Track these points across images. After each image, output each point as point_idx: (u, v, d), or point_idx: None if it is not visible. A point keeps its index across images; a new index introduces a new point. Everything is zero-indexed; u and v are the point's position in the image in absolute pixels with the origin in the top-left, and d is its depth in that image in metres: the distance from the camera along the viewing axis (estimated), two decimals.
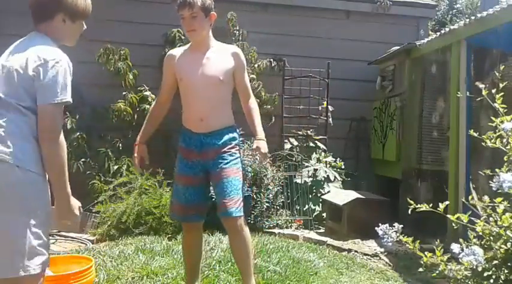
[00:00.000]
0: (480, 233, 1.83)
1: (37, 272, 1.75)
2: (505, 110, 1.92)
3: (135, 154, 2.76)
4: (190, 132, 2.70)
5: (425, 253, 1.84)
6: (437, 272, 1.87)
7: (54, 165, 1.76)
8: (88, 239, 4.28)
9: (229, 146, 2.64)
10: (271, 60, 5.69)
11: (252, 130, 2.71)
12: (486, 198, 1.86)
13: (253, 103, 2.73)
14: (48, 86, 1.74)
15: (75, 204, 1.86)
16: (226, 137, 2.64)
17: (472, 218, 1.84)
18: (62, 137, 1.77)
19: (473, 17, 4.10)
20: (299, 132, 5.53)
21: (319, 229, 4.84)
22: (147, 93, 5.35)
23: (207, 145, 2.63)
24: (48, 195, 1.81)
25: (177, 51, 2.77)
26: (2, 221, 1.70)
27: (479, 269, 1.72)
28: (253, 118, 2.69)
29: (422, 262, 1.85)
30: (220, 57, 2.65)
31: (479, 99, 2.04)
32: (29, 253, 1.73)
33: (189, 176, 2.67)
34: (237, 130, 2.77)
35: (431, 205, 1.86)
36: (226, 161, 2.60)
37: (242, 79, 2.71)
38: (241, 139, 2.80)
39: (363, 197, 4.69)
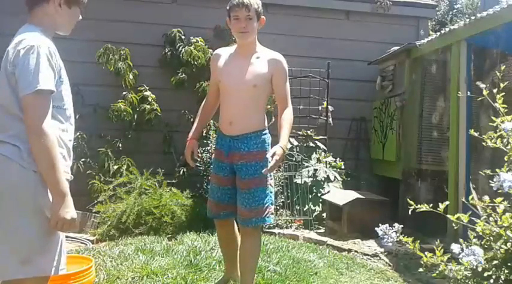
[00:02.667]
0: (480, 233, 1.83)
1: (45, 275, 1.73)
2: (506, 110, 1.92)
3: (186, 150, 2.83)
4: (221, 134, 2.75)
5: (425, 253, 1.84)
6: (437, 272, 1.87)
7: (40, 159, 1.66)
8: (88, 239, 4.28)
9: (255, 152, 2.62)
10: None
11: (278, 137, 2.62)
12: (486, 198, 1.86)
13: (288, 113, 2.67)
14: (20, 77, 1.66)
15: (71, 210, 1.71)
16: (252, 143, 2.64)
17: (472, 218, 1.84)
18: (47, 131, 1.66)
19: (473, 17, 4.10)
20: (299, 132, 5.52)
21: (319, 229, 4.84)
22: (147, 93, 5.35)
23: (233, 148, 2.65)
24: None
25: (222, 51, 2.78)
26: (10, 221, 1.68)
27: (479, 269, 1.72)
28: (283, 127, 2.61)
29: (422, 262, 1.85)
30: (259, 63, 2.64)
31: (479, 99, 2.04)
32: (43, 252, 1.71)
33: (219, 176, 2.73)
34: (267, 136, 2.72)
35: (431, 205, 1.86)
36: (250, 171, 2.60)
37: (279, 86, 2.66)
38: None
39: (363, 197, 4.69)
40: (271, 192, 2.68)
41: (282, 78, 2.66)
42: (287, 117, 2.66)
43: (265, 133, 2.72)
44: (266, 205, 2.62)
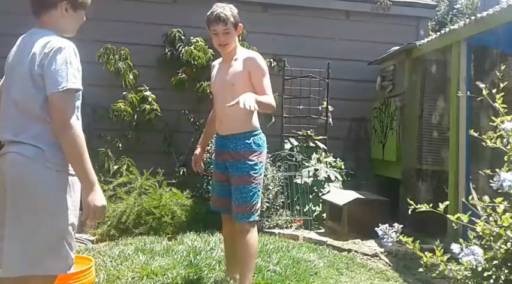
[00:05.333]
0: (480, 233, 1.83)
1: (53, 274, 1.77)
2: (505, 110, 1.91)
3: (193, 156, 3.08)
4: (217, 133, 2.94)
5: (425, 253, 1.84)
6: (437, 272, 1.87)
7: (70, 151, 1.74)
8: (88, 239, 4.27)
9: (243, 152, 2.71)
10: (271, 60, 5.69)
11: None
12: (486, 198, 1.86)
13: (267, 95, 2.65)
14: (48, 76, 1.72)
15: (100, 198, 1.79)
16: (241, 143, 2.72)
17: (472, 218, 1.84)
18: (75, 125, 1.74)
19: (473, 17, 4.09)
20: (299, 132, 5.52)
21: (319, 229, 4.84)
22: (147, 93, 5.35)
23: (224, 147, 2.80)
24: (76, 193, 1.83)
25: (216, 62, 3.00)
26: (29, 219, 1.71)
27: (479, 269, 1.72)
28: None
29: (422, 262, 1.85)
30: (237, 64, 2.74)
31: (479, 99, 2.04)
32: (53, 252, 1.74)
33: (217, 173, 2.90)
34: (258, 137, 2.77)
35: (431, 205, 1.86)
36: (238, 168, 2.71)
37: (256, 81, 2.69)
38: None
39: (363, 197, 4.69)
40: (258, 191, 2.77)
41: (259, 73, 2.70)
42: (266, 96, 2.64)
43: (256, 134, 2.77)
44: (253, 203, 2.72)
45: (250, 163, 2.71)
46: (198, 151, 3.07)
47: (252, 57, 2.73)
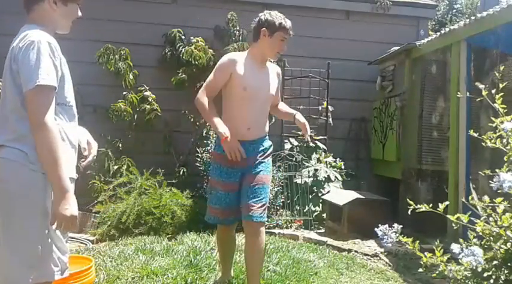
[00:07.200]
0: (480, 234, 1.83)
1: (49, 280, 1.73)
2: (505, 110, 1.91)
3: (237, 148, 2.63)
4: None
5: (425, 253, 1.84)
6: (437, 272, 1.87)
7: (42, 153, 1.64)
8: (88, 239, 4.28)
9: (267, 153, 2.85)
10: (271, 60, 5.68)
11: (289, 114, 3.01)
12: (486, 198, 1.86)
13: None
14: (22, 72, 1.66)
15: (70, 207, 1.67)
16: (265, 144, 2.86)
17: (472, 218, 1.84)
18: (50, 126, 1.64)
19: (473, 17, 4.09)
20: (299, 132, 5.52)
21: (319, 229, 4.84)
22: (147, 93, 5.35)
23: (250, 152, 2.75)
24: None
25: (238, 58, 2.76)
26: (20, 224, 1.67)
27: (479, 269, 1.72)
28: (286, 107, 3.08)
29: (422, 262, 1.85)
30: (272, 75, 2.89)
31: (479, 99, 2.04)
32: (44, 256, 1.70)
33: (230, 183, 2.77)
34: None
35: (431, 205, 1.86)
36: (264, 168, 2.78)
37: (279, 91, 3.01)
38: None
39: (363, 197, 4.69)
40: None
41: (280, 84, 3.02)
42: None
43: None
44: (267, 202, 2.79)
45: (270, 163, 2.86)
46: (233, 139, 2.60)
47: (279, 72, 3.00)
